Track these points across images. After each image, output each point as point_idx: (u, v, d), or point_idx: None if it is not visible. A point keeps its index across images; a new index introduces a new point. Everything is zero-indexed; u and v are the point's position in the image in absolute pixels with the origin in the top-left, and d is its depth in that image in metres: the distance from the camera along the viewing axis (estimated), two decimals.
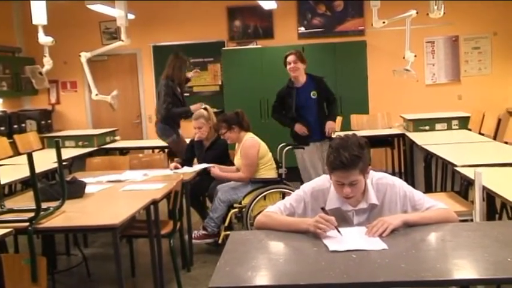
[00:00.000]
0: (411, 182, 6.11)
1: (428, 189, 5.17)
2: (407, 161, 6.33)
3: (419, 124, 6.13)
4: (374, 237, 2.26)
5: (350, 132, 2.63)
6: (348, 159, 2.39)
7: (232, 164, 5.11)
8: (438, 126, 6.12)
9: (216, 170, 4.95)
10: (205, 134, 5.20)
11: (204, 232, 4.92)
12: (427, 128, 6.10)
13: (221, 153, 5.23)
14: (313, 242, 2.24)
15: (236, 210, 4.83)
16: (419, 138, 5.50)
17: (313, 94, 5.52)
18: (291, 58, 5.58)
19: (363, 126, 7.24)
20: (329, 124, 5.47)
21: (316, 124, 5.53)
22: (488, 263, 2.02)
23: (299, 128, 5.52)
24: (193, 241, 4.80)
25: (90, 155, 6.06)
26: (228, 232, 4.53)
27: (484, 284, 2.66)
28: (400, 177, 6.32)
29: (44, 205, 3.31)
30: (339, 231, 2.29)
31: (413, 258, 2.06)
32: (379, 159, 7.95)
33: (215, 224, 4.89)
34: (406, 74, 5.76)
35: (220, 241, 4.83)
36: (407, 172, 6.41)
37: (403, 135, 6.30)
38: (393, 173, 6.68)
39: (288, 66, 5.59)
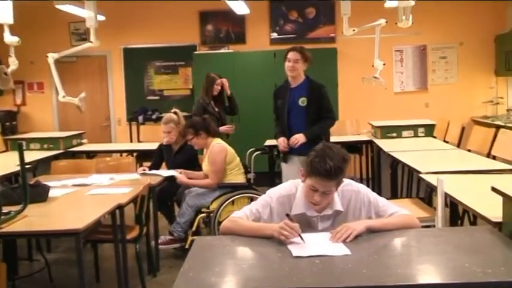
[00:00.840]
0: (378, 188, 6.19)
1: (394, 195, 5.24)
2: (375, 167, 6.40)
3: (387, 131, 6.22)
4: (338, 243, 2.28)
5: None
6: (332, 169, 2.40)
7: (201, 169, 5.09)
8: (405, 133, 6.22)
9: (182, 177, 4.91)
10: (174, 138, 5.17)
11: (170, 237, 4.88)
12: (394, 135, 6.19)
13: (190, 157, 5.21)
14: (277, 248, 2.24)
15: (204, 215, 4.81)
16: (387, 145, 5.58)
17: (302, 101, 4.64)
18: (292, 55, 4.70)
19: (332, 133, 7.26)
20: (297, 136, 4.55)
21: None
22: (448, 268, 2.06)
23: (280, 142, 4.69)
24: (160, 246, 4.76)
25: (55, 158, 5.96)
26: (195, 237, 4.51)
27: None
28: (368, 183, 6.50)
29: (5, 209, 3.25)
30: (302, 239, 2.30)
31: (375, 263, 2.09)
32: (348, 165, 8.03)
33: (182, 229, 4.86)
34: (375, 82, 5.83)
35: (187, 246, 4.79)
36: (374, 178, 6.48)
37: (371, 142, 6.37)
38: (361, 179, 6.77)
39: (286, 64, 4.71)
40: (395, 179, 5.31)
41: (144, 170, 4.87)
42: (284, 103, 4.71)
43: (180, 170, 4.93)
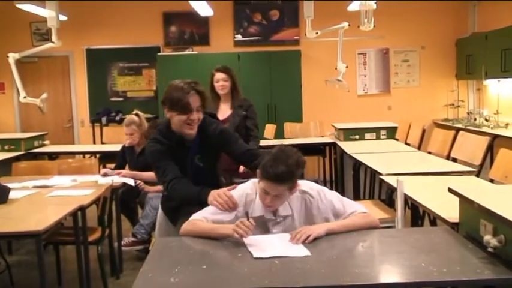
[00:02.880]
0: (341, 189, 6.28)
1: (356, 196, 5.32)
2: (338, 169, 6.49)
3: (350, 133, 6.31)
4: (298, 244, 2.32)
5: (293, 148, 2.61)
6: (281, 174, 2.42)
7: None
8: (367, 135, 6.32)
9: (148, 188, 4.90)
10: (137, 140, 5.14)
11: (133, 239, 4.86)
12: (356, 137, 6.29)
13: None
14: (238, 249, 2.27)
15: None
16: (349, 147, 5.66)
17: (198, 159, 3.14)
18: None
19: (296, 134, 7.38)
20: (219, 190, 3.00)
21: None
22: (405, 267, 2.12)
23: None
24: (123, 248, 4.73)
25: (16, 159, 5.86)
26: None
27: None
28: (331, 185, 6.57)
29: None
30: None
31: (334, 264, 2.13)
32: (311, 167, 8.11)
33: (145, 231, 4.84)
34: (338, 84, 5.91)
35: (150, 248, 4.77)
36: (337, 180, 6.57)
37: (334, 144, 6.46)
38: (324, 181, 6.86)
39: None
40: (358, 181, 5.40)
41: (105, 174, 4.81)
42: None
43: (141, 183, 4.89)
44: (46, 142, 6.85)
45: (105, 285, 4.02)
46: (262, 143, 7.00)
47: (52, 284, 4.24)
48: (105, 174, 4.76)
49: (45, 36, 8.28)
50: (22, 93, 6.38)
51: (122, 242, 4.75)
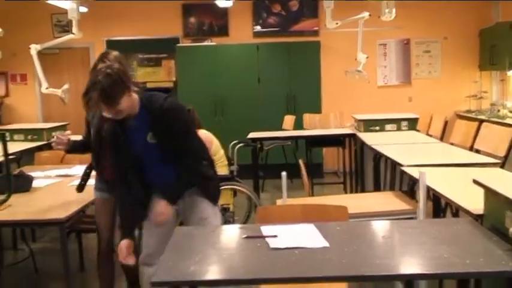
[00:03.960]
0: (361, 181, 6.25)
1: (376, 188, 5.29)
2: (358, 161, 6.46)
3: (370, 124, 6.27)
4: (316, 235, 2.31)
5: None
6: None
7: None
8: (388, 127, 6.27)
9: None
10: None
11: None
12: (377, 128, 6.24)
13: None
14: (257, 240, 2.27)
15: None
16: (370, 138, 5.62)
17: (150, 137, 2.92)
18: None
19: (315, 126, 7.36)
20: (161, 209, 2.92)
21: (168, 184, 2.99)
22: (426, 258, 2.09)
23: (122, 252, 2.95)
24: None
25: (39, 149, 5.93)
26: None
27: (420, 279, 2.76)
28: (351, 177, 6.52)
29: None
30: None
31: (354, 254, 2.12)
32: (331, 158, 8.10)
33: None
34: (358, 75, 5.87)
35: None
36: (357, 171, 6.54)
37: (354, 135, 6.42)
38: (344, 172, 6.82)
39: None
40: (378, 172, 5.36)
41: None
42: (128, 147, 2.96)
43: None
44: (67, 132, 6.90)
45: (136, 269, 4.05)
46: (282, 134, 7.02)
47: (75, 270, 4.31)
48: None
49: (66, 28, 8.35)
50: (44, 84, 6.44)
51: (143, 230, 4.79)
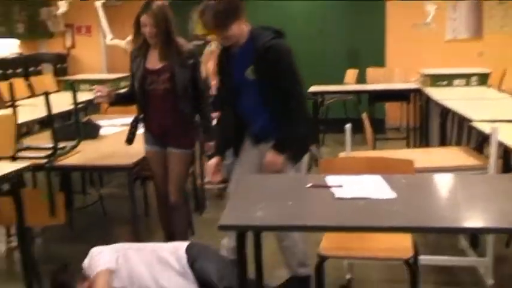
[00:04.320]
0: (425, 137, 6.11)
1: (442, 144, 5.16)
2: (423, 116, 6.29)
3: (437, 79, 6.06)
4: (383, 186, 2.28)
5: None
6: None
7: None
8: (456, 82, 6.04)
9: None
10: None
11: None
12: (444, 83, 6.03)
13: None
14: (322, 190, 2.26)
15: None
16: (436, 93, 5.45)
17: (251, 71, 2.96)
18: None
19: (379, 80, 7.20)
20: (269, 159, 2.95)
21: (262, 127, 3.06)
22: (494, 213, 2.03)
23: (209, 170, 3.17)
24: (206, 186, 4.88)
25: None
26: None
27: (487, 233, 2.70)
28: (415, 133, 6.37)
29: (60, 144, 3.39)
30: None
31: (420, 206, 2.08)
32: (393, 114, 7.93)
33: (228, 170, 4.94)
34: (425, 28, 5.65)
35: None
36: (422, 127, 6.39)
37: (419, 91, 6.24)
38: (407, 128, 6.68)
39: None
40: (445, 128, 5.21)
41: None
42: (229, 79, 3.08)
43: None
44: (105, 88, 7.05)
45: (190, 220, 4.17)
46: (344, 88, 6.91)
47: (141, 215, 4.47)
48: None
49: None
50: (108, 36, 6.58)
51: (205, 180, 4.89)
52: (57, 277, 2.88)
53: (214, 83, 4.90)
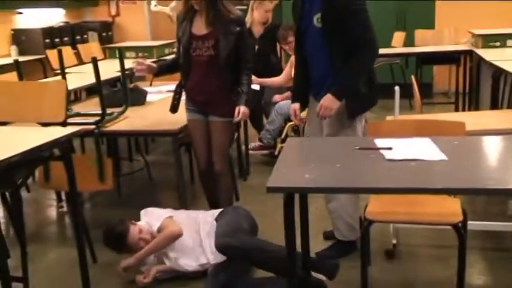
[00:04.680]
0: (476, 100, 5.92)
1: (494, 106, 4.99)
2: (473, 79, 6.09)
3: (489, 40, 5.82)
4: (432, 148, 2.23)
5: None
6: None
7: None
8: (510, 42, 5.79)
9: (276, 98, 5.00)
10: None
11: (260, 143, 5.00)
12: (497, 44, 5.79)
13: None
14: (371, 152, 2.22)
15: (293, 123, 4.84)
16: (488, 54, 5.24)
17: (317, 19, 2.94)
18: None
19: (428, 42, 6.97)
20: (324, 102, 2.93)
21: (322, 76, 3.04)
22: None
23: (292, 113, 3.22)
24: (250, 152, 4.90)
25: None
26: (284, 145, 4.58)
27: None
28: (464, 97, 6.19)
29: (108, 110, 3.44)
30: None
31: (474, 167, 2.03)
32: (441, 77, 7.71)
33: (271, 136, 4.95)
34: None
35: (276, 153, 4.90)
36: (471, 91, 6.19)
37: (470, 52, 6.02)
38: (456, 92, 6.49)
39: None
40: (497, 91, 5.02)
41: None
42: (298, 21, 3.08)
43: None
44: (175, 50, 7.08)
45: (235, 185, 4.21)
46: (390, 51, 6.74)
47: (186, 181, 4.53)
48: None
49: None
50: (153, 2, 6.60)
51: (249, 146, 4.91)
52: (115, 228, 3.08)
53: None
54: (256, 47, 5.10)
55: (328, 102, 2.90)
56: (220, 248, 2.87)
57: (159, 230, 3.08)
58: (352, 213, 3.15)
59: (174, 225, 3.07)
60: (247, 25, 4.87)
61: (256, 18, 5.09)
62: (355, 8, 2.86)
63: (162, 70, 3.53)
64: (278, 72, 5.08)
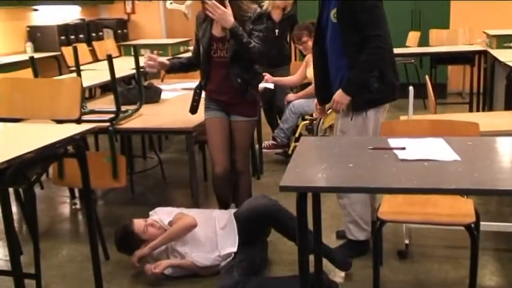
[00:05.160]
0: (489, 101, 5.88)
1: (508, 107, 4.95)
2: (488, 79, 6.04)
3: (504, 40, 5.78)
4: (446, 148, 2.22)
5: None
6: None
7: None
8: None
9: (290, 97, 5.01)
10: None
11: (273, 142, 5.01)
12: None
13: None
14: (384, 152, 2.22)
15: (307, 122, 4.85)
16: (503, 55, 5.20)
17: (334, 15, 3.00)
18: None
19: (442, 42, 6.94)
20: (335, 97, 3.02)
21: (338, 71, 3.09)
22: None
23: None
24: (264, 150, 4.90)
25: None
26: (297, 143, 4.57)
27: None
28: (478, 97, 6.14)
29: (122, 108, 3.46)
30: None
31: (487, 168, 2.01)
32: (455, 77, 7.66)
33: (285, 135, 4.95)
34: None
35: (290, 152, 4.90)
36: (486, 92, 6.14)
37: (485, 52, 5.98)
38: (471, 92, 6.44)
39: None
40: (511, 91, 4.98)
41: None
42: (319, 22, 3.16)
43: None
44: (190, 48, 7.11)
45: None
46: (404, 50, 6.70)
47: (199, 179, 4.54)
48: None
49: None
50: (169, 0, 6.61)
51: (263, 145, 4.91)
52: (118, 232, 3.13)
53: None
54: (277, 30, 5.20)
55: (339, 97, 2.99)
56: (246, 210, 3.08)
57: (171, 224, 3.10)
58: (361, 212, 3.15)
59: (188, 217, 3.10)
60: (267, 8, 5.00)
61: (277, 3, 5.17)
62: (367, 4, 2.90)
63: (175, 68, 3.50)
64: (288, 60, 5.37)
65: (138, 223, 3.10)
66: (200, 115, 3.48)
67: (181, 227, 3.05)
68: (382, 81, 3.00)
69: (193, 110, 3.44)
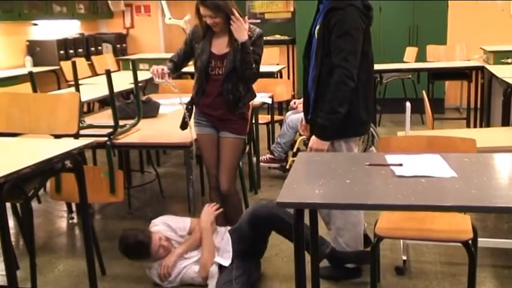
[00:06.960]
0: (487, 117, 5.90)
1: (505, 123, 4.96)
2: (485, 95, 6.07)
3: (501, 56, 5.83)
4: (443, 165, 2.23)
5: None
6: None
7: None
8: None
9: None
10: None
11: (271, 156, 5.01)
12: (509, 60, 5.80)
13: None
14: (381, 168, 2.22)
15: (305, 137, 4.85)
16: (500, 71, 5.24)
17: (317, 31, 2.92)
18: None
19: (440, 58, 6.98)
20: (312, 145, 2.95)
21: (310, 91, 3.04)
22: None
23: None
24: (261, 163, 4.90)
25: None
26: (295, 158, 4.58)
27: None
28: (475, 113, 6.17)
29: (120, 122, 3.47)
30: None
31: (484, 185, 2.02)
32: (453, 93, 7.69)
33: (282, 149, 4.96)
34: (490, 3, 5.42)
35: (287, 166, 4.91)
36: (483, 107, 6.17)
37: (482, 68, 6.02)
38: (468, 108, 6.47)
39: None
40: (509, 108, 5.00)
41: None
42: (310, 34, 3.07)
43: None
44: (190, 63, 7.13)
45: (246, 198, 4.21)
46: (402, 66, 6.74)
47: (196, 194, 4.53)
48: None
49: None
50: (168, 15, 6.67)
51: (260, 158, 4.92)
52: (137, 236, 3.12)
53: None
54: None
55: (317, 145, 2.90)
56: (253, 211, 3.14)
57: (190, 232, 3.21)
58: (348, 240, 3.12)
59: (209, 231, 3.20)
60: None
61: None
62: (343, 30, 2.76)
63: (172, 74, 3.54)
64: None
65: (155, 240, 3.10)
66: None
67: (206, 241, 3.14)
68: (349, 118, 2.87)
69: (184, 126, 3.42)
